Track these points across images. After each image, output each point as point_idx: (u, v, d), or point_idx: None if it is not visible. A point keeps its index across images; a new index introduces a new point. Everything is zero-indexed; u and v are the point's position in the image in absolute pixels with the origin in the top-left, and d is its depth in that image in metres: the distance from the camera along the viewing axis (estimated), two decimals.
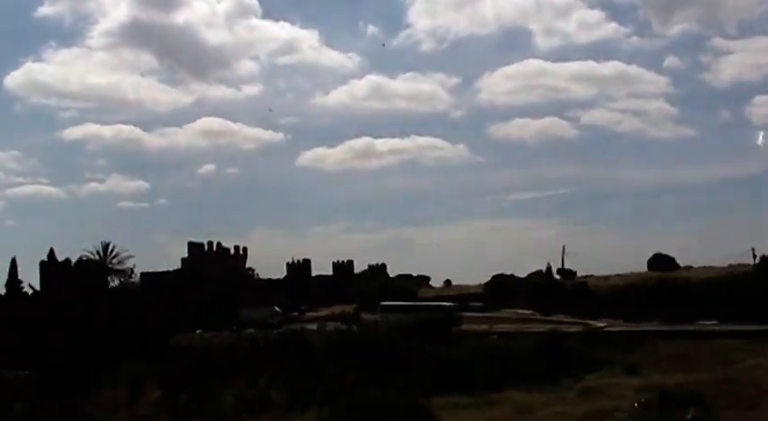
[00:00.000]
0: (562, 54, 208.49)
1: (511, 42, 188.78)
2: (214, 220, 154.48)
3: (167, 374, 46.10)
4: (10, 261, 76.32)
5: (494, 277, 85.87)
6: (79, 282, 71.19)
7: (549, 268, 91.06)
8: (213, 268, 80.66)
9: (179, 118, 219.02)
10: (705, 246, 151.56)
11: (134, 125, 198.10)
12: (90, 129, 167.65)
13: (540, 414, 35.28)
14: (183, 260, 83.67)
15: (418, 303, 68.68)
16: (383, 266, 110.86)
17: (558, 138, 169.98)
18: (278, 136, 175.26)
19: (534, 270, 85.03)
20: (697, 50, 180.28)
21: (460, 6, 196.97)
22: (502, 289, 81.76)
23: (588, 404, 34.96)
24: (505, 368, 43.30)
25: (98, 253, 78.18)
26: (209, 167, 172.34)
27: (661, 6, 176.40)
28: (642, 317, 59.55)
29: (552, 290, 72.98)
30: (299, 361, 38.38)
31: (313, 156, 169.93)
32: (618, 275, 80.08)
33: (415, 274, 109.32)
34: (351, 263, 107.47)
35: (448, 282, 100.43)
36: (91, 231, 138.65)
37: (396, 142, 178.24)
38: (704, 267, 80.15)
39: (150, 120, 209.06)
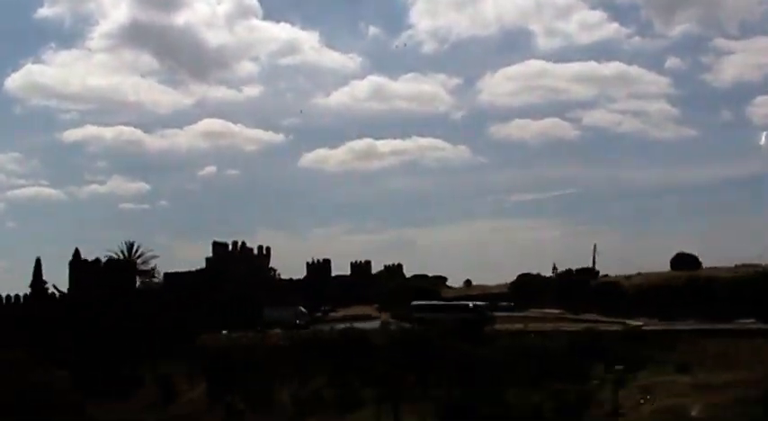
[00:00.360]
0: (563, 55, 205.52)
1: (512, 43, 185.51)
2: (215, 222, 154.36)
3: (214, 374, 45.90)
4: (35, 261, 76.25)
5: (519, 276, 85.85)
6: (109, 283, 71.14)
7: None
8: (238, 268, 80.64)
9: (180, 119, 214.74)
10: (707, 247, 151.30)
11: (134, 126, 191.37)
12: (90, 130, 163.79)
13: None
14: (208, 260, 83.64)
15: (450, 303, 68.40)
16: (399, 267, 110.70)
17: (560, 139, 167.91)
18: (279, 137, 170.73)
19: (559, 270, 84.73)
20: (698, 51, 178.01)
21: (461, 7, 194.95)
22: (527, 288, 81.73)
23: (654, 401, 35.07)
24: (547, 366, 43.37)
25: (122, 252, 78.23)
26: (210, 169, 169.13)
27: (662, 7, 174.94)
28: (675, 316, 59.34)
29: (582, 289, 72.81)
30: (358, 360, 38.27)
31: (314, 157, 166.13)
32: (639, 274, 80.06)
33: (430, 275, 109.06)
34: (368, 263, 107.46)
35: (468, 282, 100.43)
36: (92, 233, 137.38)
37: (397, 143, 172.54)
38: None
39: (151, 121, 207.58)
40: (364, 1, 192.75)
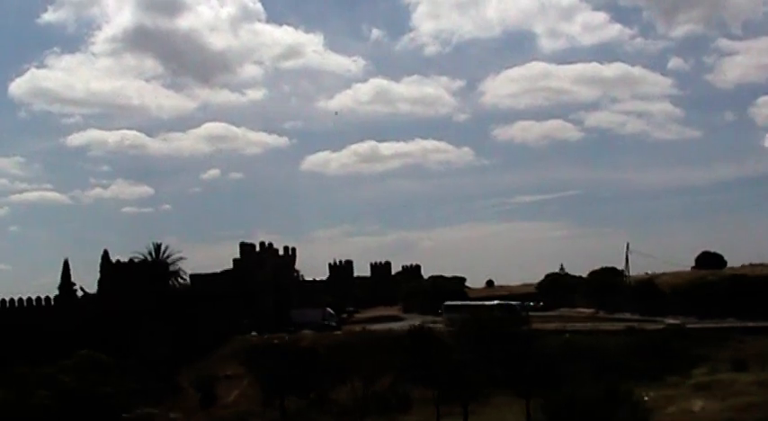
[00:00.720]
0: (566, 56, 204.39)
1: (515, 45, 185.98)
2: (219, 225, 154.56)
3: (267, 375, 45.58)
4: (63, 263, 75.76)
5: (547, 276, 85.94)
6: (140, 284, 70.80)
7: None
8: (264, 269, 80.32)
9: (183, 123, 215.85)
10: (710, 247, 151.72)
11: (138, 130, 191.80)
12: (94, 134, 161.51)
13: (670, 411, 35.12)
14: (235, 261, 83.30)
15: (483, 303, 68.26)
16: (417, 268, 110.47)
17: (563, 141, 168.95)
18: (282, 140, 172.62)
19: (596, 268, 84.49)
20: (701, 52, 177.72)
21: (464, 9, 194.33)
22: (556, 288, 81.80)
23: (719, 401, 34.83)
24: (597, 365, 43.16)
25: (150, 254, 77.75)
26: (213, 172, 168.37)
27: (665, 8, 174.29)
28: (713, 314, 59.34)
29: (614, 288, 72.84)
30: (425, 359, 37.98)
31: (317, 160, 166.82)
32: (664, 273, 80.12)
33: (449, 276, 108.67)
34: (388, 264, 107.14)
35: (490, 283, 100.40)
36: (95, 236, 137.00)
37: (400, 146, 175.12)
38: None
39: (154, 125, 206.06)
40: (367, 4, 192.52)
